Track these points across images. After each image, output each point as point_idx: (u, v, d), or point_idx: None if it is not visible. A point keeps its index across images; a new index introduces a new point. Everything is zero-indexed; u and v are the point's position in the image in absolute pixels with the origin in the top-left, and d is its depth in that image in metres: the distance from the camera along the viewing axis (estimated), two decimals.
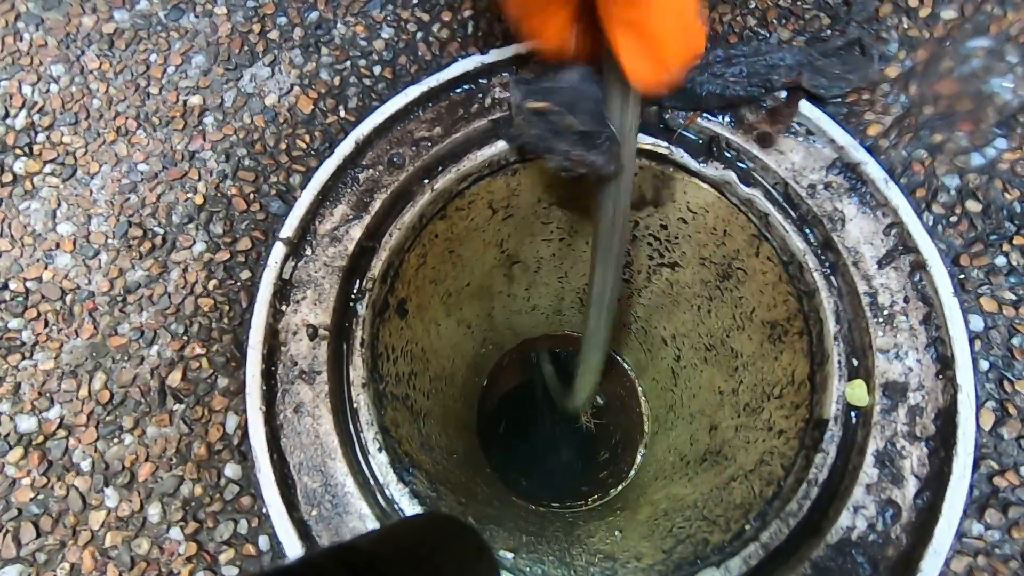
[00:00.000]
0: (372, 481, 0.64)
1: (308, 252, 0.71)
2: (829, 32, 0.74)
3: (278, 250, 0.70)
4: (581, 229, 1.02)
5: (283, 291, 0.69)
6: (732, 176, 0.73)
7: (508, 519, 1.06)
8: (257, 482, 0.61)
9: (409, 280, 0.82)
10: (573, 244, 1.07)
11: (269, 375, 0.66)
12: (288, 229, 0.70)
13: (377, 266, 0.72)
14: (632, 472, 1.46)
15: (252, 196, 0.72)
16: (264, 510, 0.60)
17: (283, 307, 0.69)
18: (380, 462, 0.64)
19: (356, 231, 0.72)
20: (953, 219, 0.66)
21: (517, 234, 1.00)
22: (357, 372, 0.67)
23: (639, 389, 1.50)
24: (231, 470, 0.62)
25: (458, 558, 0.36)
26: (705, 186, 0.78)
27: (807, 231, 0.70)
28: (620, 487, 1.45)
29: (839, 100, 0.71)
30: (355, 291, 0.71)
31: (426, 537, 0.37)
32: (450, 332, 1.10)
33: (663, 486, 1.12)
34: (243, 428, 0.63)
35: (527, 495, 1.42)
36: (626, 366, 1.51)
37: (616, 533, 0.98)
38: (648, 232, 0.97)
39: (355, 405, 0.67)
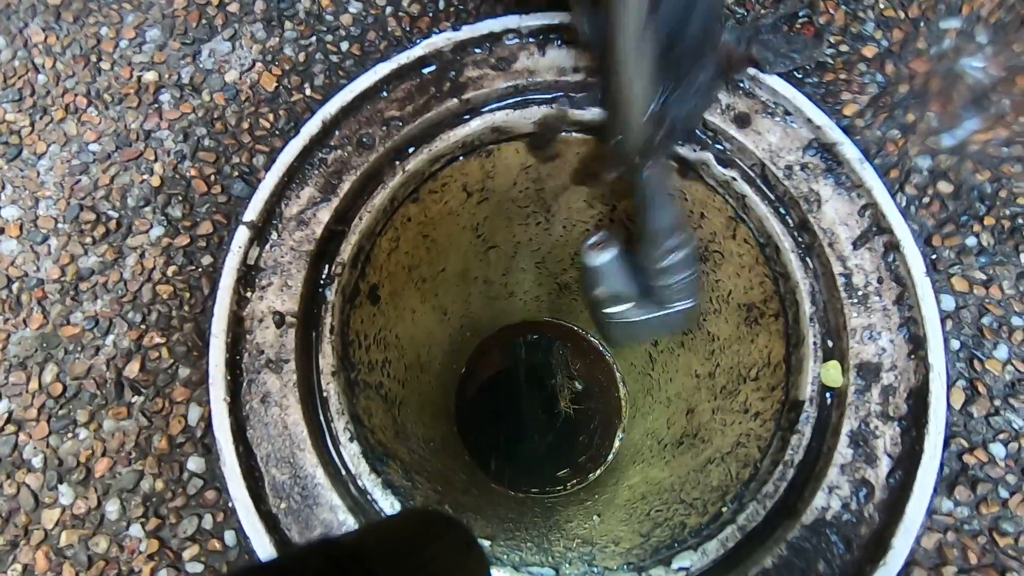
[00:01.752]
0: (344, 472, 0.62)
1: (274, 236, 0.68)
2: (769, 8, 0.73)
3: (241, 234, 0.66)
4: (558, 213, 1.00)
5: (247, 277, 0.66)
6: (709, 157, 0.72)
7: (486, 506, 1.05)
8: (222, 475, 0.58)
9: (381, 265, 0.79)
10: (550, 228, 1.06)
11: (234, 364, 0.63)
12: (252, 212, 0.67)
13: (347, 250, 0.69)
14: (610, 456, 1.46)
15: (213, 178, 0.69)
16: (230, 504, 0.58)
17: (248, 294, 0.66)
18: (352, 452, 0.62)
19: (324, 214, 0.69)
20: (925, 200, 0.66)
21: (493, 218, 0.98)
22: (327, 360, 0.65)
23: (617, 374, 1.50)
24: (194, 463, 0.59)
25: (446, 552, 0.35)
26: (681, 168, 0.76)
27: (784, 212, 0.70)
28: (598, 471, 1.45)
29: (815, 81, 0.70)
30: (324, 277, 0.69)
31: (412, 531, 0.36)
32: (426, 319, 1.08)
33: (641, 470, 1.12)
34: (206, 420, 0.60)
35: (506, 482, 1.42)
36: (602, 349, 1.51)
37: (594, 518, 0.98)
38: (625, 215, 0.96)
39: (325, 394, 0.64)
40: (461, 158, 0.79)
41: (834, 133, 0.68)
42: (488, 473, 1.40)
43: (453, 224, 0.92)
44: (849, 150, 0.67)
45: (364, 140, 0.72)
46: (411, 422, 0.98)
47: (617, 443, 1.45)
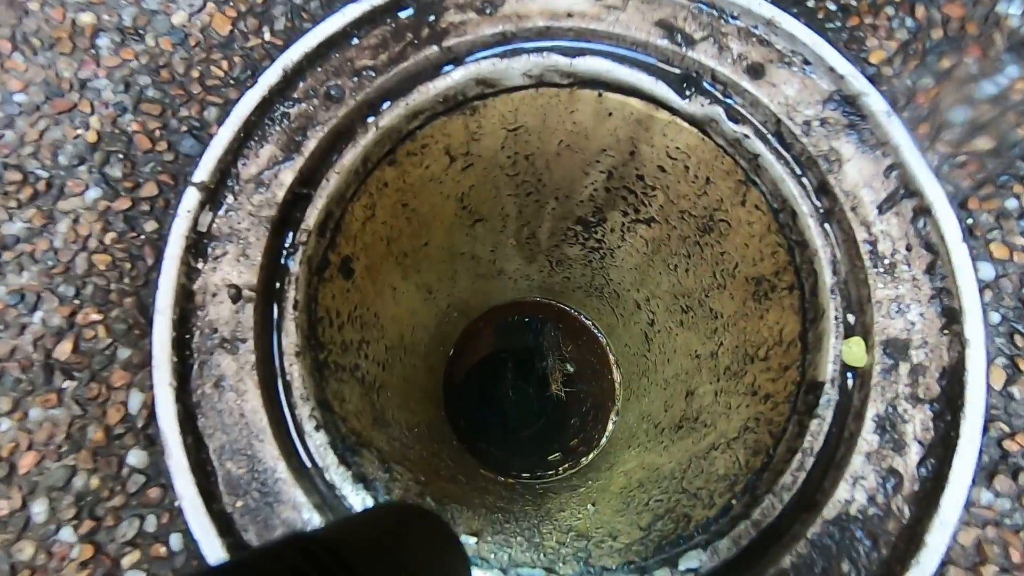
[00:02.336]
0: (309, 465, 0.55)
1: (229, 200, 0.59)
2: None
3: (191, 197, 0.58)
4: (550, 182, 0.92)
5: (199, 245, 0.58)
6: (719, 112, 0.64)
7: (473, 495, 0.98)
8: (167, 470, 0.51)
9: (355, 236, 0.71)
10: (542, 200, 0.98)
11: (182, 344, 0.55)
12: (203, 172, 0.58)
13: (312, 216, 0.60)
14: (604, 440, 1.40)
15: (158, 133, 0.60)
16: (176, 503, 0.50)
17: (199, 264, 0.57)
18: (318, 442, 0.55)
19: (287, 175, 0.60)
20: (960, 158, 0.58)
21: (479, 187, 0.90)
22: (290, 339, 0.57)
23: (611, 356, 1.44)
24: (135, 457, 0.51)
25: (425, 546, 0.34)
26: (688, 126, 0.68)
27: (801, 174, 0.62)
28: (591, 455, 1.39)
29: (837, 26, 0.62)
30: (287, 245, 0.60)
31: (391, 525, 0.34)
32: (408, 297, 1.00)
33: (637, 455, 1.05)
34: (150, 407, 0.52)
35: (496, 466, 1.36)
36: (596, 332, 1.44)
37: (589, 507, 0.91)
38: (623, 184, 0.88)
39: (288, 377, 0.56)
40: (443, 116, 0.70)
41: (858, 83, 0.60)
42: (477, 458, 1.34)
43: (435, 193, 0.84)
44: (875, 102, 0.59)
45: (332, 92, 0.63)
46: (393, 407, 0.90)
47: (611, 426, 1.39)
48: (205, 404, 0.54)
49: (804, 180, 0.62)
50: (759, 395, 0.68)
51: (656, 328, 1.12)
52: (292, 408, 0.56)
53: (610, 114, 0.74)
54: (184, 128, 0.60)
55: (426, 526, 0.36)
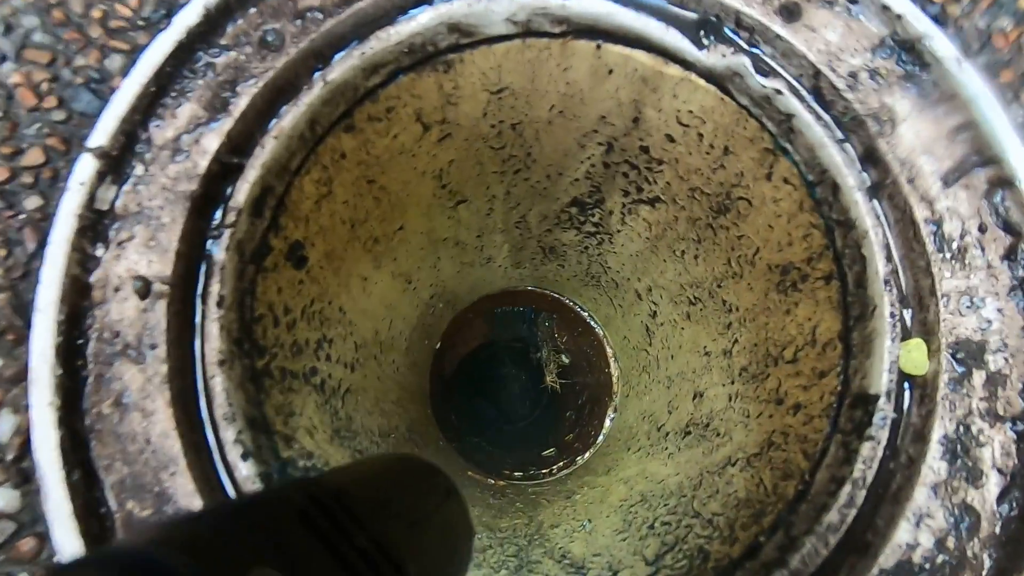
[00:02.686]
0: None
1: (137, 171, 0.47)
2: None
3: (87, 165, 0.46)
4: (540, 156, 0.80)
5: (97, 227, 0.46)
6: (745, 64, 0.52)
7: None
8: (44, 515, 0.39)
9: (307, 216, 0.59)
10: (531, 177, 0.85)
11: (71, 352, 0.43)
12: (102, 135, 0.46)
13: (244, 191, 0.48)
14: (600, 437, 1.30)
15: (47, 87, 0.47)
16: (57, 558, 0.39)
17: (97, 251, 0.46)
18: (245, 474, 0.43)
19: (211, 140, 0.48)
20: None
21: (460, 163, 0.77)
22: (212, 344, 0.45)
23: (608, 349, 1.33)
24: (3, 499, 0.40)
25: (427, 497, 0.33)
26: (704, 84, 0.56)
27: (844, 138, 0.50)
28: (587, 454, 1.29)
29: None
30: (213, 228, 0.48)
31: (393, 475, 0.34)
32: (383, 288, 0.88)
33: (637, 460, 0.95)
34: (24, 434, 0.40)
35: (486, 467, 1.26)
36: (592, 322, 1.33)
37: (585, 523, 0.81)
38: (624, 159, 0.76)
39: (210, 392, 0.45)
40: (410, 72, 0.58)
41: (919, 24, 0.48)
42: (466, 458, 1.24)
43: (408, 168, 0.72)
44: (941, 46, 0.47)
45: (268, 39, 0.50)
46: (362, 413, 0.79)
47: (608, 423, 1.29)
48: (101, 428, 0.42)
49: (848, 146, 0.50)
50: (786, 404, 0.57)
51: (659, 321, 1.01)
52: (217, 431, 0.44)
53: (610, 72, 0.62)
54: (80, 80, 0.47)
55: (428, 478, 0.35)
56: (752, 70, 0.51)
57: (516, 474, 1.29)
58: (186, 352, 0.45)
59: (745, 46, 0.52)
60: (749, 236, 0.66)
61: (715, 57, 0.53)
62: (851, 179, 0.48)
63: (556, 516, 0.89)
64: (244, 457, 0.43)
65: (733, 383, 0.72)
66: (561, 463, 1.30)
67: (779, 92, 0.51)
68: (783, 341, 0.60)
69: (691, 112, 0.62)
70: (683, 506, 0.65)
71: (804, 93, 0.51)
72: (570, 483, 1.16)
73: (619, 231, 0.94)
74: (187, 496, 0.41)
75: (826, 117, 0.50)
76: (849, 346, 0.49)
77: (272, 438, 0.47)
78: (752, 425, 0.63)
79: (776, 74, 0.52)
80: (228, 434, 0.43)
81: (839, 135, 0.50)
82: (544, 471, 1.30)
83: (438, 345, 1.33)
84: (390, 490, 0.31)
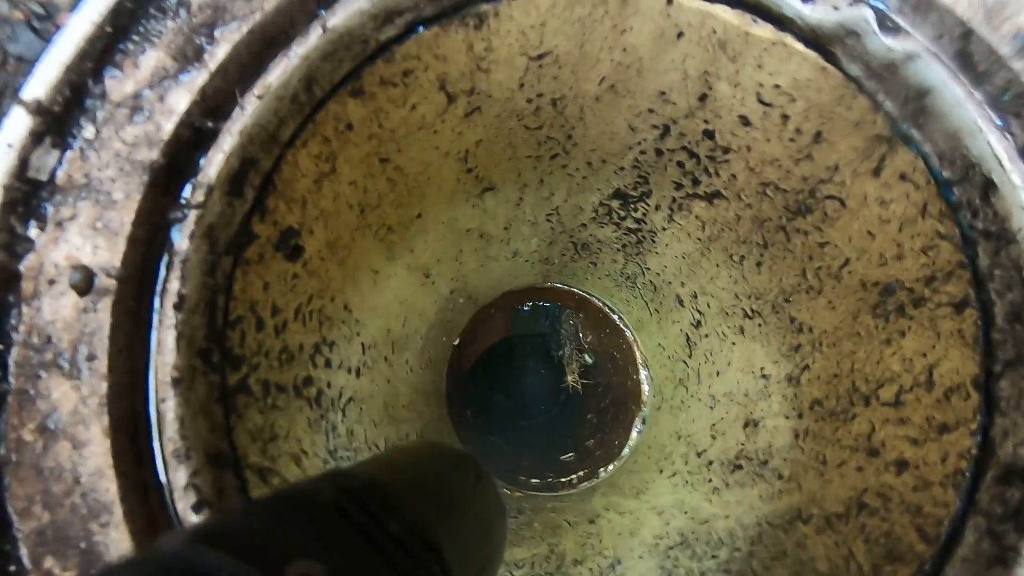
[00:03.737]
0: None
1: (87, 132, 0.37)
2: None
3: (19, 123, 0.36)
4: (583, 140, 0.68)
5: (30, 202, 0.36)
6: (866, 18, 0.39)
7: None
8: None
9: (304, 198, 0.48)
10: (570, 164, 0.74)
11: None
12: (41, 85, 0.36)
13: (216, 163, 0.38)
14: (626, 450, 1.19)
15: None
16: None
17: (29, 231, 0.36)
18: None
19: (180, 98, 0.38)
20: None
21: (489, 143, 0.66)
22: (165, 358, 0.35)
23: (637, 353, 1.21)
24: None
25: (458, 483, 0.33)
26: (803, 48, 0.44)
27: (1003, 125, 0.37)
28: (611, 466, 1.18)
29: None
30: (176, 206, 0.38)
31: (423, 462, 0.33)
32: (398, 283, 0.78)
33: (673, 488, 0.83)
34: None
35: (504, 472, 1.16)
36: (622, 325, 1.22)
37: (615, 563, 0.70)
38: (682, 145, 0.64)
39: (159, 420, 0.35)
40: (434, 25, 0.46)
41: None
42: (482, 461, 1.14)
43: (428, 147, 0.61)
44: None
45: None
46: (367, 425, 0.69)
47: (635, 434, 1.18)
48: (20, 460, 0.33)
49: (1009, 134, 0.37)
50: (884, 458, 0.45)
51: (703, 332, 0.88)
52: (167, 469, 0.34)
53: (680, 35, 0.49)
54: (19, 15, 0.37)
55: (457, 463, 0.34)
56: (876, 27, 0.38)
57: (533, 481, 1.19)
58: (135, 365, 0.35)
59: None
60: (837, 244, 0.53)
61: (824, 9, 0.40)
62: (1017, 177, 0.35)
63: (580, 548, 0.78)
64: (197, 508, 0.33)
65: (801, 417, 0.60)
66: (582, 472, 1.20)
67: (913, 57, 0.38)
68: (879, 377, 0.48)
69: (778, 87, 0.49)
70: (738, 563, 0.54)
71: (946, 59, 0.38)
72: (594, 501, 1.05)
73: (664, 229, 0.82)
74: (121, 555, 0.31)
75: (977, 93, 0.37)
76: (993, 398, 0.37)
77: (241, 475, 0.37)
78: (831, 476, 0.50)
79: (906, 33, 0.39)
80: (178, 476, 0.33)
81: (996, 119, 0.37)
82: (563, 480, 1.20)
83: (457, 341, 1.23)
84: (421, 476, 0.30)
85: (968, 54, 0.38)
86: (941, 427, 0.40)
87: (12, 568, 0.31)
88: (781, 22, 0.43)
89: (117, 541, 0.31)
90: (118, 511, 0.32)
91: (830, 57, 0.43)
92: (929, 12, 0.38)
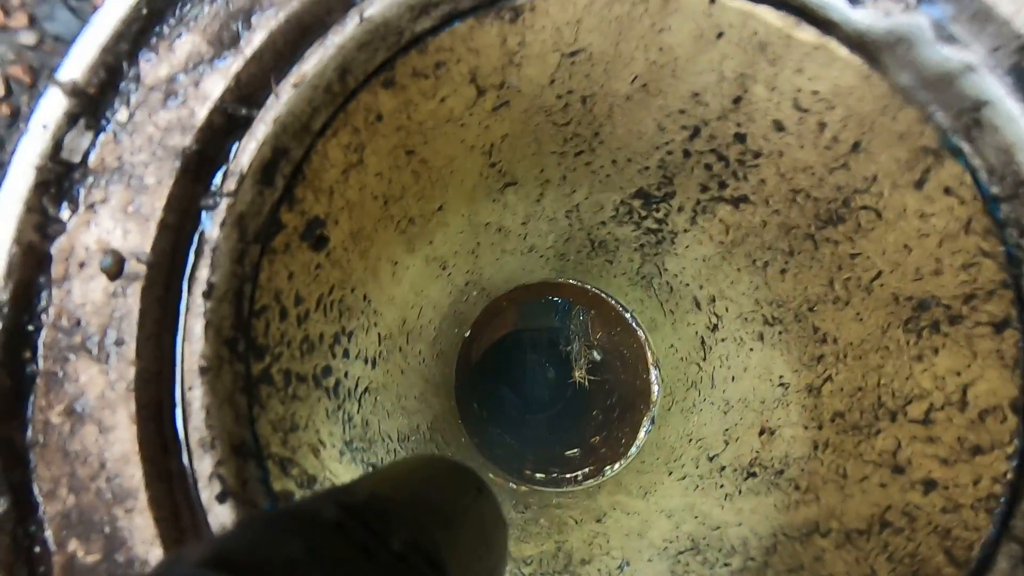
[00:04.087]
0: None
1: (120, 115, 0.37)
2: None
3: (55, 104, 0.35)
4: (610, 138, 0.67)
5: (63, 184, 0.35)
6: (921, 26, 0.38)
7: None
8: None
9: (331, 188, 0.48)
10: (594, 162, 0.73)
11: (17, 341, 0.33)
12: (77, 67, 0.35)
13: (249, 151, 0.37)
14: (633, 449, 1.18)
15: (16, 0, 0.37)
16: None
17: (61, 214, 0.35)
18: (221, 520, 0.33)
19: (215, 84, 0.37)
20: None
21: (515, 139, 0.65)
22: (194, 346, 0.35)
23: (648, 353, 1.20)
24: None
25: (458, 494, 0.32)
26: (847, 54, 0.42)
27: None
28: (617, 464, 1.18)
29: None
30: (207, 194, 0.38)
31: (423, 476, 0.33)
32: (415, 274, 0.77)
33: (683, 491, 0.83)
34: None
35: (508, 465, 1.16)
36: (635, 325, 1.21)
37: (624, 564, 0.70)
38: (711, 148, 0.62)
39: (188, 409, 0.34)
40: (469, 17, 0.45)
41: None
42: (488, 457, 1.15)
43: (455, 140, 0.60)
44: None
45: None
46: (381, 416, 0.69)
47: (643, 434, 1.17)
48: (47, 442, 0.33)
49: None
50: (910, 476, 0.44)
51: (720, 335, 0.87)
52: (191, 458, 0.34)
53: (719, 35, 0.48)
54: None
55: (458, 477, 0.34)
56: (932, 35, 0.37)
57: (539, 475, 1.20)
58: (163, 353, 0.35)
59: (915, 2, 0.38)
60: (869, 256, 0.52)
61: (874, 15, 0.39)
62: None
63: (587, 547, 0.78)
64: (221, 498, 0.33)
65: (821, 428, 0.59)
66: (587, 468, 1.20)
67: (971, 68, 0.36)
68: (907, 393, 0.47)
69: (816, 93, 0.48)
70: (752, 573, 0.53)
71: (1009, 68, 0.36)
72: (600, 499, 1.05)
73: (686, 231, 0.81)
74: (145, 543, 0.31)
75: None
76: None
77: (263, 466, 0.37)
78: (852, 490, 0.50)
79: (962, 44, 0.37)
80: (203, 466, 0.33)
81: None
82: (568, 476, 1.20)
83: (468, 333, 1.23)
84: (422, 491, 0.30)
85: (1022, 68, 0.36)
86: (974, 449, 0.39)
87: (37, 549, 0.31)
88: (826, 26, 0.42)
89: (142, 528, 0.31)
90: (143, 497, 0.32)
91: (877, 63, 0.41)
92: (987, 23, 0.37)
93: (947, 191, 0.41)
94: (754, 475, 0.68)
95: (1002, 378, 0.38)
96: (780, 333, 0.70)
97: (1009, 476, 0.36)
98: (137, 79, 0.37)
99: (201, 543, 0.29)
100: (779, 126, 0.53)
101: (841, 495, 0.50)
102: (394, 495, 0.27)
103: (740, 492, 0.68)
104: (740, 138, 0.58)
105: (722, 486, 0.73)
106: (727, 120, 0.57)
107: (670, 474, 0.93)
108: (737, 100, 0.54)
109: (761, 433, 0.71)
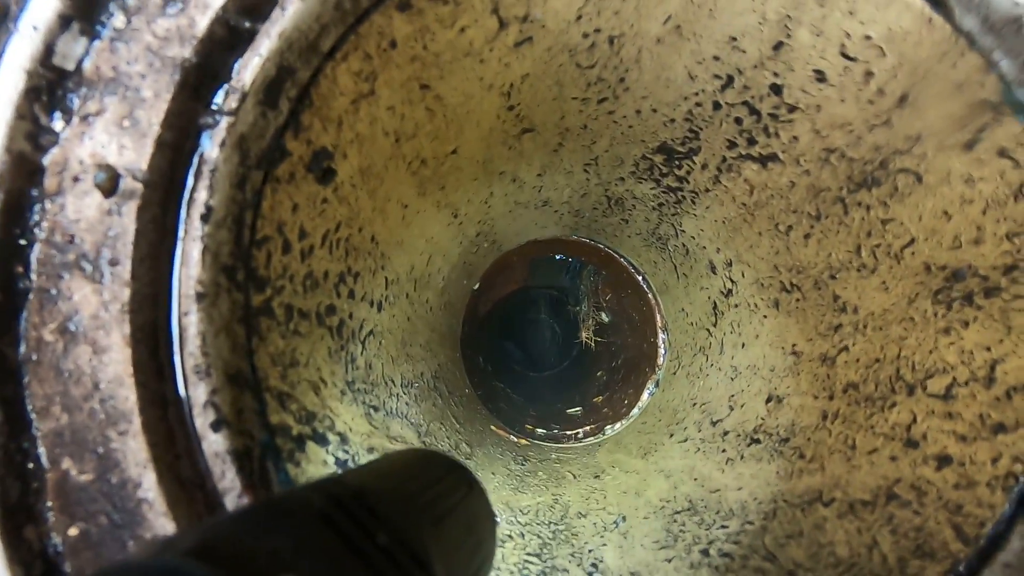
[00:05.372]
0: (198, 480, 0.33)
1: (117, 21, 0.34)
2: None
3: (46, 3, 0.33)
4: (636, 85, 0.63)
5: (55, 92, 0.33)
6: None
7: (476, 470, 0.78)
8: None
9: (340, 118, 0.45)
10: (617, 111, 0.69)
11: (10, 254, 0.32)
12: None
13: (252, 67, 0.35)
14: (636, 410, 1.18)
15: None
16: None
17: (55, 124, 0.33)
18: (215, 449, 0.32)
19: None
20: None
21: (536, 80, 0.61)
22: (191, 271, 0.33)
23: (658, 316, 1.19)
24: None
25: (449, 492, 0.32)
26: None
27: None
28: (619, 424, 1.19)
29: None
30: (207, 112, 0.35)
31: (414, 471, 0.33)
32: (425, 219, 0.75)
33: (683, 452, 0.82)
34: None
35: (510, 419, 1.18)
36: (645, 287, 1.19)
37: (619, 520, 0.70)
38: (743, 100, 0.58)
39: (182, 334, 0.33)
40: None
41: None
42: (490, 409, 1.16)
43: (472, 77, 0.56)
44: None
45: None
46: (386, 361, 0.68)
47: (646, 396, 1.17)
48: (39, 359, 0.32)
49: None
50: (925, 452, 0.42)
51: (733, 301, 0.85)
52: (187, 385, 0.33)
53: None
54: None
55: (449, 472, 0.34)
56: None
57: (539, 431, 1.21)
58: (159, 276, 0.34)
59: None
60: (903, 222, 0.49)
61: None
62: None
63: (584, 501, 0.78)
64: (216, 427, 0.32)
65: (832, 398, 0.57)
66: (588, 427, 1.20)
67: None
68: (929, 367, 0.45)
69: (868, 39, 0.44)
70: (750, 538, 0.53)
71: None
72: (599, 456, 1.06)
73: (708, 191, 0.77)
74: (138, 466, 0.31)
75: None
76: None
77: (261, 398, 0.36)
78: (859, 461, 0.48)
79: None
80: (198, 393, 0.32)
81: None
82: (569, 432, 1.21)
83: (476, 286, 1.22)
84: (412, 486, 0.29)
85: None
86: (996, 427, 0.37)
87: (30, 465, 0.30)
88: None
89: (135, 451, 0.31)
90: (136, 421, 0.31)
91: (939, 6, 0.37)
92: None
93: (1001, 154, 0.38)
94: (757, 441, 0.67)
95: None
96: (797, 300, 0.68)
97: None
98: None
99: (189, 531, 0.28)
100: (820, 76, 0.50)
101: (848, 466, 0.49)
102: (384, 488, 0.27)
103: (742, 457, 0.67)
104: (776, 89, 0.54)
105: (724, 451, 0.73)
106: (764, 69, 0.53)
107: (671, 436, 0.93)
108: (777, 46, 0.50)
109: (768, 401, 0.70)
